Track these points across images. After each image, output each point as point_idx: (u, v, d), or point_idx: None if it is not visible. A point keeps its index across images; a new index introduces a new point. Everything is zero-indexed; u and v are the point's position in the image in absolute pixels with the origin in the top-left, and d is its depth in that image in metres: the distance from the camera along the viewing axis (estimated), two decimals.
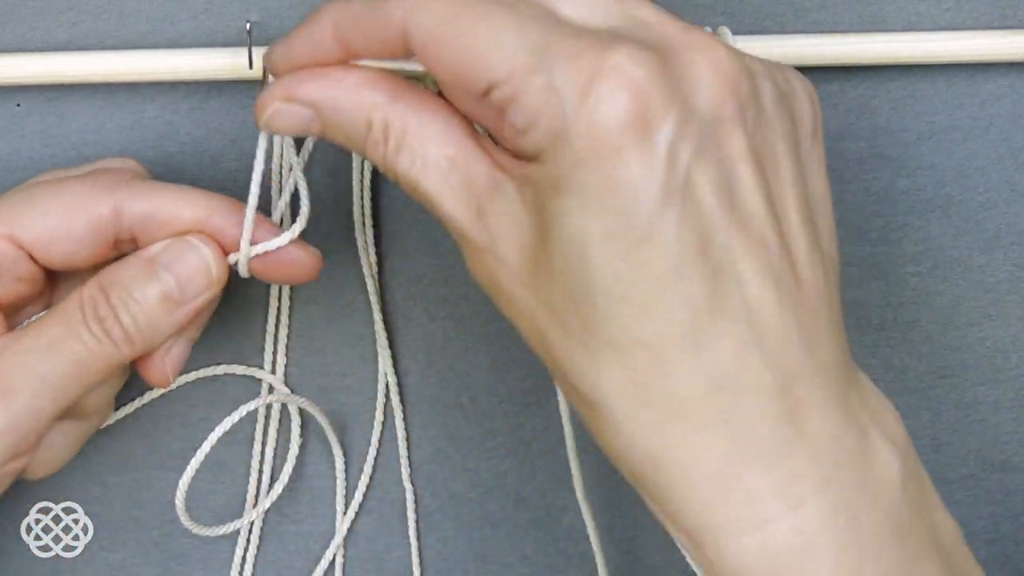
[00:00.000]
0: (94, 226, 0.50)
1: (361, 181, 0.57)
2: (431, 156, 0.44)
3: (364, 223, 0.57)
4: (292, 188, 0.53)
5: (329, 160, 0.57)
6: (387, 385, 0.59)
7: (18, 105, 0.57)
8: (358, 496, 0.59)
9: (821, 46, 0.56)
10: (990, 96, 0.58)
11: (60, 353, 0.49)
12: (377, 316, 0.58)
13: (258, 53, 0.55)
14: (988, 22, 0.58)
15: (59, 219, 0.49)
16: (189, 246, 0.50)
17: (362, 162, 0.57)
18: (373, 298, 0.58)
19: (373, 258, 0.58)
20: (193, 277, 0.50)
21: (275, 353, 0.58)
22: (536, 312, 0.43)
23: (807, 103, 0.45)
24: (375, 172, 0.57)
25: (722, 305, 0.41)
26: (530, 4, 0.42)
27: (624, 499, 0.59)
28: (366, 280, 0.58)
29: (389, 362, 0.58)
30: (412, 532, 0.59)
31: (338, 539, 0.59)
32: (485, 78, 0.42)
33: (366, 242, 0.57)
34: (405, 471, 0.59)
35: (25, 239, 0.49)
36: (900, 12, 0.58)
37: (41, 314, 0.50)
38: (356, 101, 0.44)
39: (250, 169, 0.57)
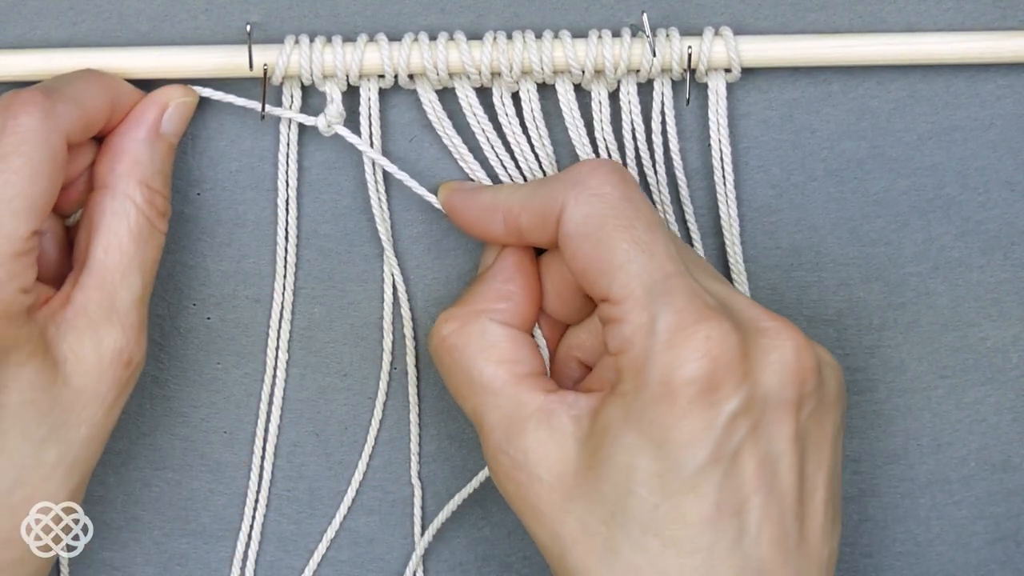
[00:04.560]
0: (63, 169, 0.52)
1: (376, 187, 0.57)
2: (488, 371, 0.51)
3: (384, 225, 0.57)
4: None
5: (340, 166, 0.58)
6: (388, 384, 0.59)
7: None
8: (350, 493, 0.59)
9: (821, 46, 0.56)
10: (990, 96, 0.58)
11: (147, 264, 0.53)
12: (387, 316, 0.58)
13: (258, 53, 0.55)
14: (988, 22, 0.58)
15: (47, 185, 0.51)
16: (184, 106, 0.55)
17: (374, 174, 0.57)
18: (388, 299, 0.58)
19: (394, 261, 0.58)
20: (186, 122, 0.55)
21: (277, 351, 0.58)
22: (564, 528, 0.48)
23: (843, 400, 0.51)
24: (387, 184, 0.57)
25: (739, 561, 0.47)
26: (670, 240, 0.49)
27: None
28: (385, 282, 0.58)
29: (412, 360, 0.59)
30: (417, 529, 0.59)
31: (330, 534, 0.59)
32: (604, 291, 0.49)
33: (388, 236, 0.57)
34: (415, 468, 0.59)
35: (37, 227, 0.50)
36: (900, 12, 0.58)
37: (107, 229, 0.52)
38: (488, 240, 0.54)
39: (249, 169, 0.58)
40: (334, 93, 0.55)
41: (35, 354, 0.50)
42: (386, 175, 0.58)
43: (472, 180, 0.57)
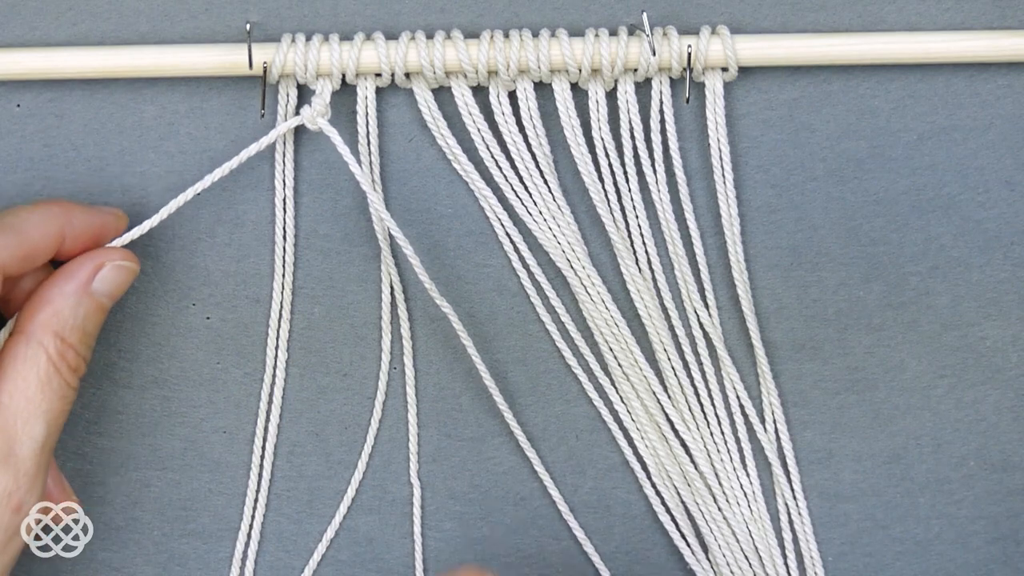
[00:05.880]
0: None
1: (374, 188, 0.57)
2: None
3: (383, 224, 0.57)
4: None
5: (340, 166, 0.58)
6: (387, 383, 0.59)
7: (18, 105, 0.57)
8: (350, 493, 0.59)
9: (821, 46, 0.56)
10: (990, 96, 0.58)
11: (52, 414, 0.52)
12: (386, 316, 0.58)
13: (258, 51, 0.55)
14: (988, 22, 0.58)
15: None
16: (122, 270, 0.54)
17: (371, 175, 0.57)
18: (386, 299, 0.58)
19: (392, 262, 0.58)
20: (124, 287, 0.54)
21: (276, 351, 0.58)
22: None
23: None
24: (385, 183, 0.57)
25: None
26: None
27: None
28: (383, 282, 0.58)
29: (411, 360, 0.59)
30: (417, 528, 0.59)
31: (330, 534, 0.59)
32: None
33: (386, 236, 0.57)
34: (414, 468, 0.59)
35: None
36: (900, 12, 0.58)
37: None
38: None
39: (249, 169, 0.58)
40: (324, 88, 0.55)
41: None
42: (383, 174, 0.58)
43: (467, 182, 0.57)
